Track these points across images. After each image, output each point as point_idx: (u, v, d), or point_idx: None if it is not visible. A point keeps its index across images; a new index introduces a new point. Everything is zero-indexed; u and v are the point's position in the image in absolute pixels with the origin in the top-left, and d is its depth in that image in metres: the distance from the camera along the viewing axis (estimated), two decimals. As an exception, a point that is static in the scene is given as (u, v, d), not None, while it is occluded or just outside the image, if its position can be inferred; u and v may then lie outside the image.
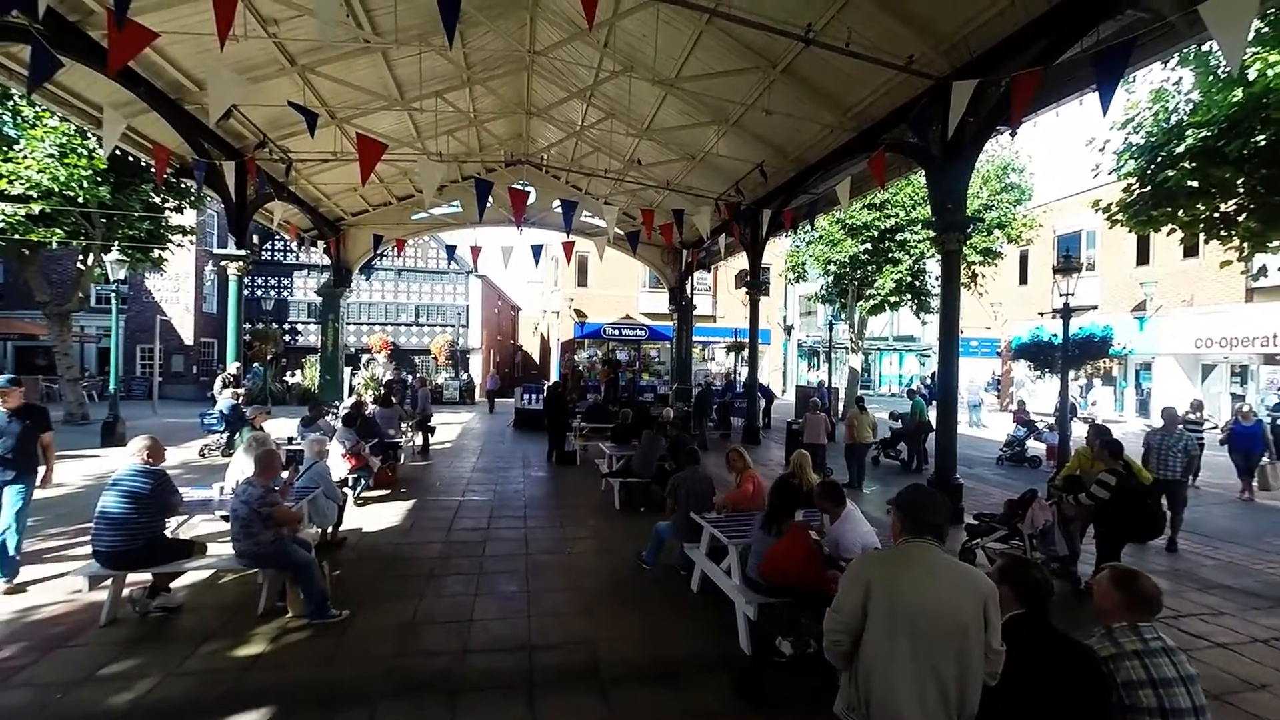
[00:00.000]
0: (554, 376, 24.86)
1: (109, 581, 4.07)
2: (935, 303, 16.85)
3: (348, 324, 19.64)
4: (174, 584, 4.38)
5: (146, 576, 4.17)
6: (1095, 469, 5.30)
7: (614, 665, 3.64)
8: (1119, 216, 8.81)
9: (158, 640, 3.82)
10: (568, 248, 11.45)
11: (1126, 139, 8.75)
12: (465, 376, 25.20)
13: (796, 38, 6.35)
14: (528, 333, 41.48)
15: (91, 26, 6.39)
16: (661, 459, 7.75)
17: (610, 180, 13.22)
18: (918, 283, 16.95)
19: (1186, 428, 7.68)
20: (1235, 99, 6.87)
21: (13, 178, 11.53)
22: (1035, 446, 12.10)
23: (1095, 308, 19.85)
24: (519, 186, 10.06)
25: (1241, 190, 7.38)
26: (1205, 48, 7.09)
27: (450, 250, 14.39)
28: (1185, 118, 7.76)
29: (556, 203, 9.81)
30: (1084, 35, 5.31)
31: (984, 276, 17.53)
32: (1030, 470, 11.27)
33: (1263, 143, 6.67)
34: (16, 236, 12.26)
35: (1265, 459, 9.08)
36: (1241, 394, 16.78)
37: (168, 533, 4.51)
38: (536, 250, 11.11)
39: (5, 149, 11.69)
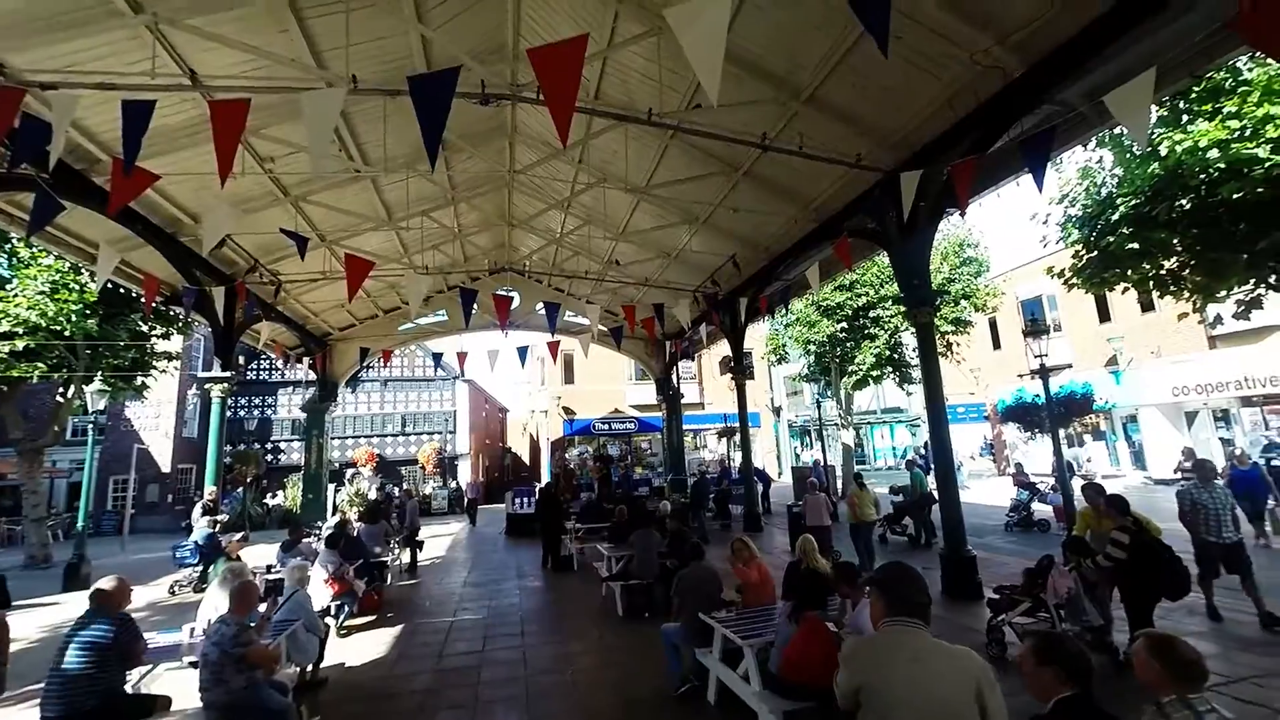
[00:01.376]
0: (545, 477, 24.25)
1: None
2: (917, 374, 17.22)
3: (332, 438, 19.26)
4: (131, 748, 3.89)
5: (100, 741, 3.71)
6: (1103, 528, 5.17)
7: (631, 803, 3.24)
8: (1074, 280, 9.33)
9: (107, 821, 3.32)
10: (553, 347, 11.66)
11: (1065, 212, 9.48)
12: (454, 484, 24.47)
13: (754, 145, 7.00)
14: (516, 434, 40.96)
15: (96, 174, 6.78)
16: (662, 555, 7.41)
17: (591, 280, 13.77)
18: (896, 355, 17.44)
19: (1183, 475, 7.64)
20: (1154, 170, 7.58)
21: (2, 316, 11.61)
22: (1041, 509, 11.86)
23: (1070, 366, 20.42)
24: (503, 293, 10.41)
25: (1180, 249, 7.92)
26: (1117, 130, 7.93)
27: (437, 358, 14.59)
28: (1114, 189, 8.49)
29: (540, 305, 10.13)
30: (1009, 128, 5.93)
31: (959, 345, 18.11)
32: (1041, 534, 10.96)
33: (1187, 206, 7.26)
34: (1, 373, 12.13)
35: (1271, 502, 8.99)
36: (1229, 438, 16.92)
37: (128, 686, 4.08)
38: (522, 352, 11.29)
39: (-2, 290, 11.89)
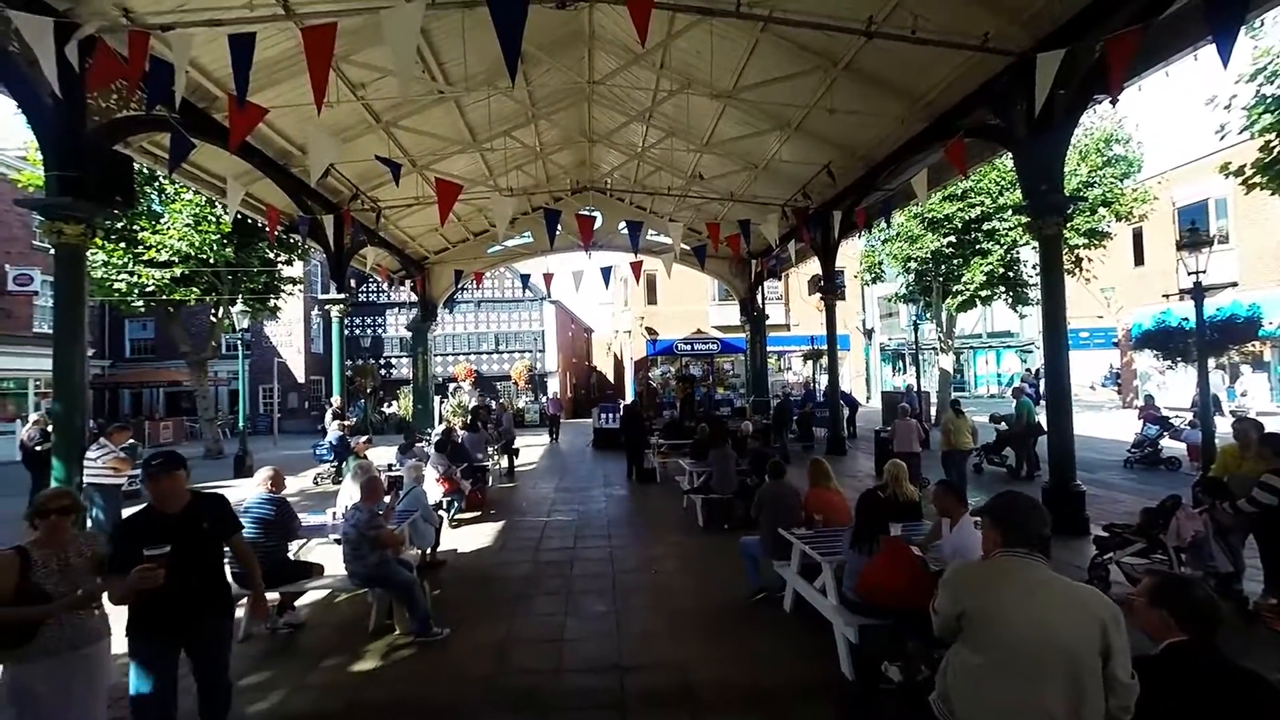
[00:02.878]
0: (629, 395, 25.11)
1: (243, 600, 4.50)
2: (1034, 293, 15.49)
3: (435, 355, 20.94)
4: (298, 603, 4.78)
5: (275, 596, 4.58)
6: (1247, 470, 4.56)
7: (708, 689, 3.55)
8: (1256, 179, 7.72)
9: (286, 655, 4.17)
10: (635, 267, 11.61)
11: (1258, 91, 7.69)
12: (544, 399, 26.04)
13: (857, 32, 6.15)
14: (601, 354, 42.29)
15: (215, 110, 7.34)
16: (742, 473, 7.57)
17: (674, 197, 13.32)
18: (1011, 274, 15.67)
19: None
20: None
21: (160, 247, 13.45)
22: (1172, 446, 10.68)
23: (1235, 284, 17.38)
24: (585, 213, 10.36)
25: None
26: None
27: (524, 279, 15.05)
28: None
29: (622, 225, 10.02)
30: (1192, -17, 4.76)
31: (1090, 260, 15.92)
32: (1168, 473, 9.95)
33: None
34: (164, 297, 14.26)
35: None
36: None
37: (290, 555, 4.94)
38: (606, 272, 11.37)
39: (154, 223, 13.67)
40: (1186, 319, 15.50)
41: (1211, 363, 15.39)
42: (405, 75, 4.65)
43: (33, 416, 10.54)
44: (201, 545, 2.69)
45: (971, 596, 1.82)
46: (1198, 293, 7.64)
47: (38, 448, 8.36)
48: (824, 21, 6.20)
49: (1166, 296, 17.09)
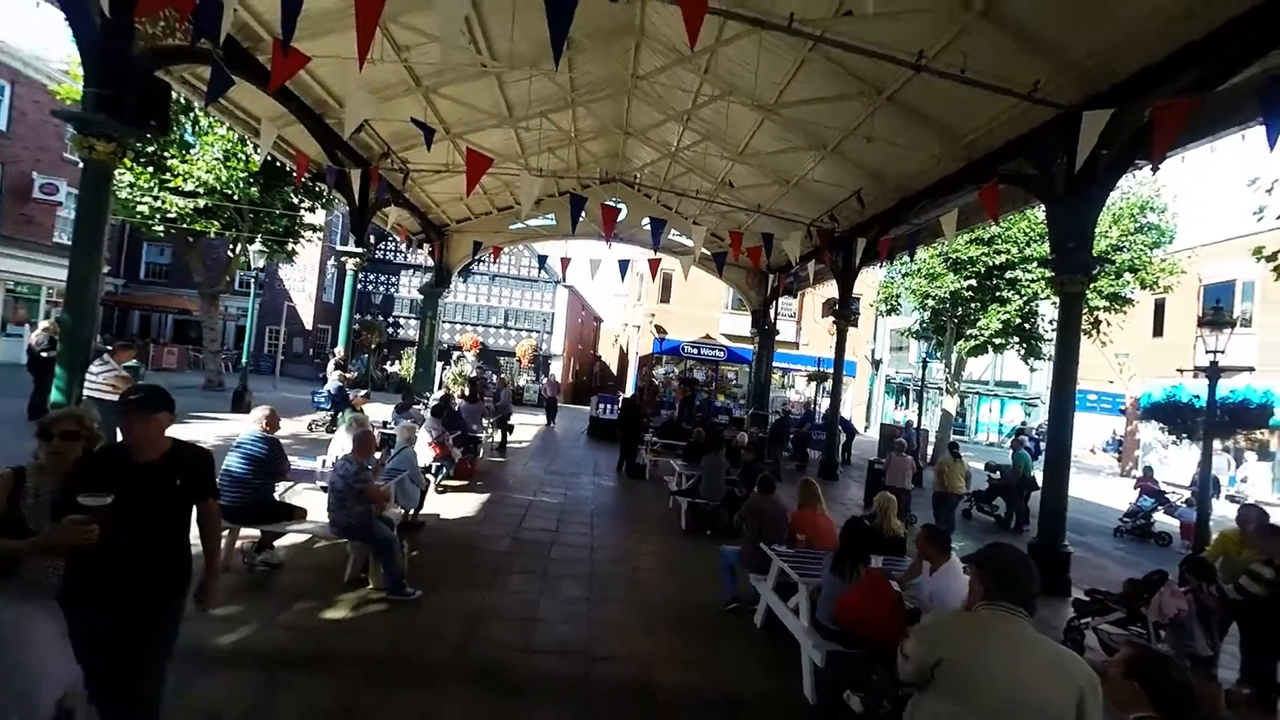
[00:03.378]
0: (630, 389, 25.14)
1: (225, 532, 4.56)
2: (1047, 348, 15.40)
3: (444, 322, 20.99)
4: (277, 543, 4.83)
5: (255, 533, 4.63)
6: (1243, 557, 4.55)
7: (669, 689, 3.57)
8: (1289, 267, 7.67)
9: (260, 592, 4.21)
10: (653, 264, 11.61)
11: (1302, 178, 7.62)
12: (544, 380, 26.10)
13: (907, 64, 6.11)
14: (607, 344, 42.34)
15: (259, 52, 7.36)
16: (731, 482, 7.59)
17: (700, 201, 13.29)
18: (1027, 325, 15.57)
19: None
20: None
21: (187, 176, 13.53)
22: (1165, 522, 10.62)
23: (1251, 369, 17.25)
24: (611, 203, 10.37)
25: None
26: None
27: (542, 260, 15.10)
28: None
29: (646, 220, 10.01)
30: (1251, 62, 4.71)
31: (1109, 324, 15.80)
32: (1158, 548, 9.90)
33: None
34: (185, 226, 14.36)
35: None
36: None
37: (276, 496, 4.99)
38: (623, 265, 11.37)
39: (184, 153, 13.75)
40: (1198, 396, 15.39)
41: (1216, 444, 15.29)
42: (450, 43, 4.66)
43: (43, 323, 10.64)
44: (167, 503, 2.21)
45: (951, 648, 1.78)
46: (1213, 372, 7.60)
47: (44, 354, 8.46)
48: (875, 50, 6.16)
49: (1181, 371, 16.96)
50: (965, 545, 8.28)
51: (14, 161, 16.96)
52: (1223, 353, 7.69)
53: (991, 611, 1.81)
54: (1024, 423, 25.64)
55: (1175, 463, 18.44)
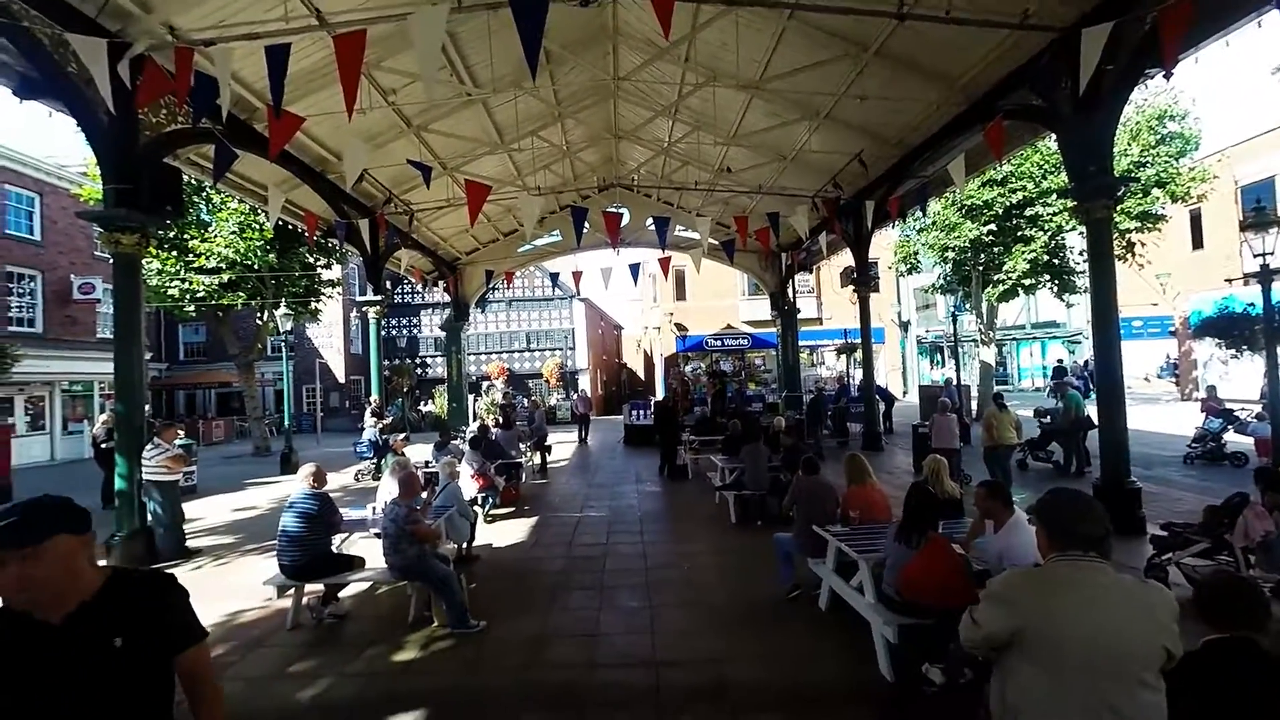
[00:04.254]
0: (660, 392, 25.10)
1: (291, 590, 4.69)
2: (1082, 281, 14.80)
3: (469, 354, 21.33)
4: (341, 594, 4.94)
5: (319, 587, 4.75)
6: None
7: (743, 687, 3.51)
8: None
9: (330, 644, 4.31)
10: (664, 263, 11.59)
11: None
12: (574, 396, 26.27)
13: (888, 14, 5.96)
14: (631, 350, 42.38)
15: (256, 121, 7.63)
16: (774, 470, 7.48)
17: (701, 191, 13.22)
18: (1056, 261, 15.00)
19: None
20: None
21: (208, 254, 14.12)
22: (1237, 441, 10.04)
23: (1304, 267, 16.25)
24: (612, 209, 10.39)
25: None
26: None
27: (554, 277, 15.18)
28: None
29: (649, 220, 10.00)
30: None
31: (1143, 245, 15.11)
32: (1234, 469, 9.37)
33: None
34: (214, 302, 14.98)
35: None
36: None
37: (333, 548, 5.12)
38: (634, 269, 11.36)
39: (202, 232, 14.36)
40: (1253, 304, 14.53)
41: (1280, 351, 14.40)
42: (430, 77, 4.74)
43: (101, 416, 11.22)
44: (104, 686, 1.28)
45: (1029, 613, 1.66)
46: (1265, 276, 7.16)
47: (103, 445, 9.03)
48: (852, 6, 6.03)
49: (1229, 281, 16.07)
50: (1026, 496, 7.97)
51: (52, 268, 17.95)
52: (1272, 254, 7.23)
53: (1062, 563, 1.71)
54: (1060, 361, 24.61)
55: (1238, 378, 17.42)
